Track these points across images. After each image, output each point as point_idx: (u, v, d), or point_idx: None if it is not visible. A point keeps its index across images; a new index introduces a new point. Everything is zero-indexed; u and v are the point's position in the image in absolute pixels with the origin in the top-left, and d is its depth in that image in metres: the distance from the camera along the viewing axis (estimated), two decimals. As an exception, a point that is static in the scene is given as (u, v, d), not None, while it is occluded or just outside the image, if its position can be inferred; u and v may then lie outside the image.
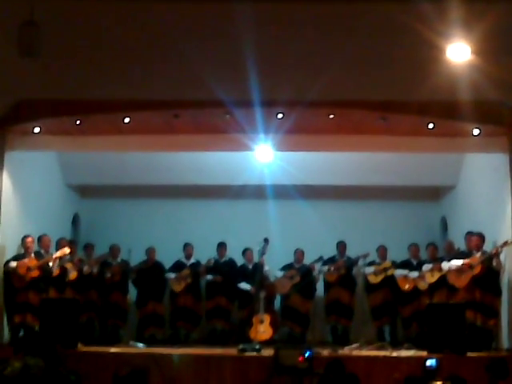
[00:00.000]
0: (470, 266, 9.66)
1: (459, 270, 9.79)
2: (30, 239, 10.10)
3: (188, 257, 11.83)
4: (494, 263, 9.56)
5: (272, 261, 11.33)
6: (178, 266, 11.71)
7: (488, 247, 9.80)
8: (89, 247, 11.69)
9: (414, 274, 10.87)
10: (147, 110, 9.61)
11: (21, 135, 10.16)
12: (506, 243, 9.38)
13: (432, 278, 10.43)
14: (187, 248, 11.85)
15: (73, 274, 10.47)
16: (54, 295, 10.07)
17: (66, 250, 10.13)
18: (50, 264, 9.98)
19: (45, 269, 9.94)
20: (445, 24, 7.71)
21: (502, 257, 9.58)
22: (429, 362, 7.04)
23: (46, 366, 5.28)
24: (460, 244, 10.61)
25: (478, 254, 9.78)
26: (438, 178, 12.53)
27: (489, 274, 9.62)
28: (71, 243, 11.10)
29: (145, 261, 11.64)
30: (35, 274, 9.82)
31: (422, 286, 10.64)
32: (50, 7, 7.75)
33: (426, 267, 10.59)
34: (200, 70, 8.46)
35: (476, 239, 9.95)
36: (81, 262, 10.88)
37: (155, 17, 8.27)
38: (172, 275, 11.60)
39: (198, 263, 11.69)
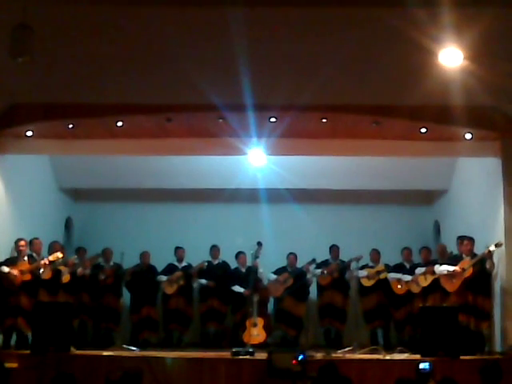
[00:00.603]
0: (462, 270, 9.69)
1: (450, 275, 9.82)
2: (22, 242, 10.06)
3: (180, 260, 11.84)
4: (488, 265, 9.59)
5: (265, 264, 11.32)
6: (170, 269, 11.71)
7: (479, 251, 9.83)
8: (81, 251, 11.67)
9: (407, 277, 10.90)
10: (140, 114, 9.61)
11: (14, 139, 10.14)
12: (497, 244, 9.43)
13: (425, 282, 10.44)
14: (178, 251, 11.87)
15: (66, 277, 10.43)
16: (46, 298, 10.04)
17: (59, 255, 10.09)
18: (41, 270, 9.94)
19: (36, 273, 9.91)
20: (437, 29, 7.74)
21: (494, 259, 9.60)
22: (422, 365, 7.06)
23: None
24: (453, 248, 10.63)
25: (468, 258, 9.81)
26: (431, 181, 12.57)
27: (480, 277, 9.65)
28: (62, 247, 11.07)
29: (138, 264, 11.64)
30: (27, 277, 9.79)
31: (415, 289, 10.66)
32: (43, 11, 7.75)
33: (419, 270, 10.62)
34: (193, 74, 8.47)
35: (467, 243, 9.97)
36: (74, 265, 10.83)
37: (148, 21, 8.28)
38: (164, 278, 11.60)
39: (189, 266, 11.70)
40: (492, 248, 9.44)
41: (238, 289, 11.49)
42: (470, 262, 9.68)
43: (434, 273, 10.24)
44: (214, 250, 11.88)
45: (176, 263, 11.81)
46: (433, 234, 13.09)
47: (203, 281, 11.65)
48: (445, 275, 9.91)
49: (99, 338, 11.19)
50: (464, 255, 9.92)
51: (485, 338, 9.63)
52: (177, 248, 11.89)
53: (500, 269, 9.69)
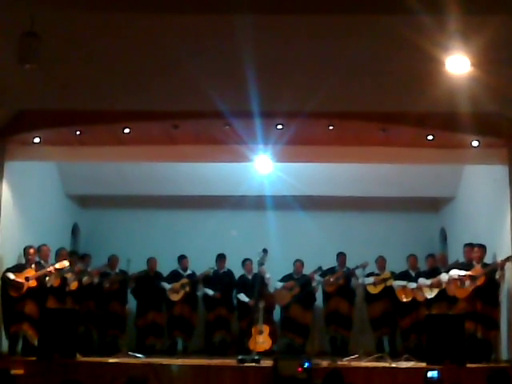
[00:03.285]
0: (473, 278, 9.64)
1: (460, 281, 9.76)
2: (31, 250, 10.08)
3: (184, 269, 11.81)
4: (498, 275, 9.55)
5: (271, 272, 11.32)
6: (173, 276, 11.70)
7: (488, 259, 9.79)
8: (86, 257, 11.68)
9: (413, 285, 10.87)
10: (147, 121, 9.63)
11: (21, 145, 10.17)
12: (509, 258, 9.36)
13: (431, 294, 10.41)
14: (183, 261, 11.84)
15: (73, 285, 10.45)
16: (55, 305, 10.05)
17: (66, 263, 10.10)
18: (47, 278, 9.96)
19: (42, 280, 9.92)
20: (444, 36, 7.72)
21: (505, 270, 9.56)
22: (430, 374, 7.02)
23: None
24: (459, 255, 10.59)
25: (479, 266, 9.76)
26: (438, 189, 12.54)
27: (490, 286, 9.61)
28: (71, 254, 11.10)
29: (145, 270, 11.63)
30: (33, 284, 9.80)
31: (421, 297, 10.63)
32: (50, 18, 7.77)
33: (424, 282, 10.57)
34: (199, 80, 8.47)
35: (478, 250, 9.90)
36: (81, 273, 10.85)
37: (155, 28, 8.29)
38: (167, 285, 11.58)
39: (194, 274, 11.69)
40: (505, 259, 9.41)
41: (243, 297, 11.48)
42: (482, 271, 9.62)
43: (439, 285, 10.21)
44: (221, 259, 11.84)
45: (180, 271, 11.79)
46: (439, 242, 13.06)
47: (210, 291, 11.62)
48: (454, 281, 9.83)
49: (105, 345, 11.18)
50: (474, 262, 9.86)
51: (491, 347, 9.59)
52: (181, 257, 11.87)
53: (508, 278, 9.64)
